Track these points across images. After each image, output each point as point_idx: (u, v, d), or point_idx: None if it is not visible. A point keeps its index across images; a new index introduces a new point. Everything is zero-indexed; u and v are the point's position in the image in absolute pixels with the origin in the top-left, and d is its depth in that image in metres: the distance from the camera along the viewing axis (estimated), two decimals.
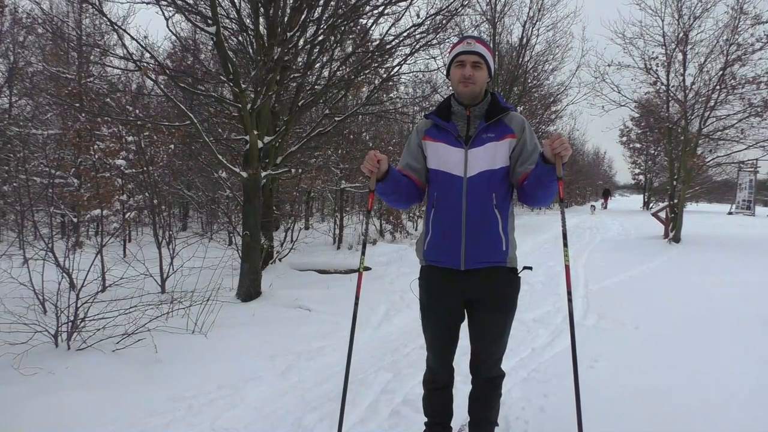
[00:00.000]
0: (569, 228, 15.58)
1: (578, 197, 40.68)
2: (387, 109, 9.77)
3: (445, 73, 2.26)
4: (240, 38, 6.66)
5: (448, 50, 2.20)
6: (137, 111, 7.84)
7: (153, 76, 5.90)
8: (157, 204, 6.83)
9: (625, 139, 27.68)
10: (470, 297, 2.13)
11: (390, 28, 6.85)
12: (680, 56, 11.14)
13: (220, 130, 8.11)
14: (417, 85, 14.61)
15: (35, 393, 3.02)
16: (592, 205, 29.46)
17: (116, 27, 5.90)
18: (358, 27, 7.66)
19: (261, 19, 6.33)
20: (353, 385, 3.23)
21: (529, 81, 16.71)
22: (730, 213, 23.71)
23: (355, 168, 10.93)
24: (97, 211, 7.75)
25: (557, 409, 2.82)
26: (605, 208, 32.89)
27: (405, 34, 6.62)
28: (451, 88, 2.19)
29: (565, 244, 2.03)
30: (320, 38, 6.31)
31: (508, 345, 2.26)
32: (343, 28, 6.58)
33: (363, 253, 2.22)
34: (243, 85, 5.42)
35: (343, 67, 7.18)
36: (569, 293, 1.99)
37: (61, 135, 9.78)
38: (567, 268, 2.02)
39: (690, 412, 2.73)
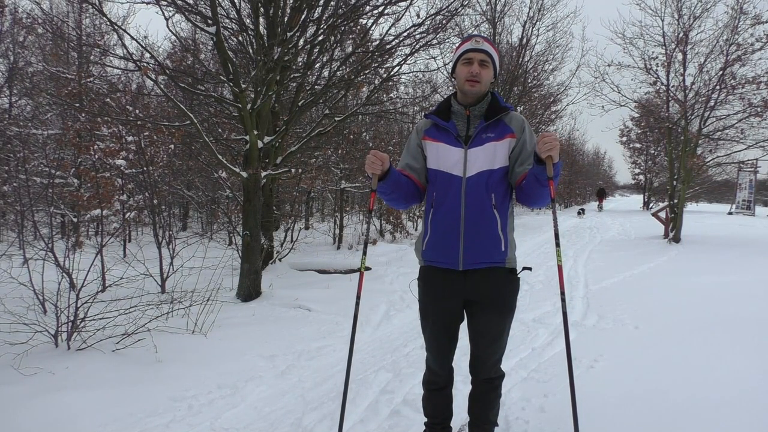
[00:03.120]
0: (570, 228, 15.64)
1: (578, 197, 40.64)
2: (387, 109, 9.76)
3: (450, 71, 2.26)
4: (240, 38, 6.66)
5: (455, 48, 2.19)
6: (137, 111, 7.84)
7: (153, 76, 5.90)
8: (157, 204, 6.83)
9: (625, 139, 27.69)
10: (469, 297, 2.13)
11: (390, 28, 6.88)
12: (680, 56, 11.13)
13: (220, 130, 8.12)
14: (417, 85, 14.63)
15: (35, 393, 3.02)
16: (580, 210, 23.07)
17: (116, 27, 5.89)
18: (358, 27, 7.66)
19: (261, 19, 6.34)
20: (353, 385, 3.24)
21: (529, 81, 16.70)
22: (730, 213, 23.69)
23: (355, 168, 10.94)
24: (97, 211, 7.75)
25: (557, 409, 2.82)
26: (600, 210, 28.50)
27: (405, 34, 6.63)
28: (452, 87, 2.19)
29: (557, 244, 2.04)
30: (320, 38, 6.32)
31: (507, 345, 2.26)
32: (343, 28, 6.58)
33: (364, 253, 2.22)
34: (243, 85, 5.42)
35: (343, 67, 7.19)
36: (562, 293, 2.01)
37: (61, 135, 9.79)
38: (560, 267, 2.03)
39: (690, 412, 2.72)
